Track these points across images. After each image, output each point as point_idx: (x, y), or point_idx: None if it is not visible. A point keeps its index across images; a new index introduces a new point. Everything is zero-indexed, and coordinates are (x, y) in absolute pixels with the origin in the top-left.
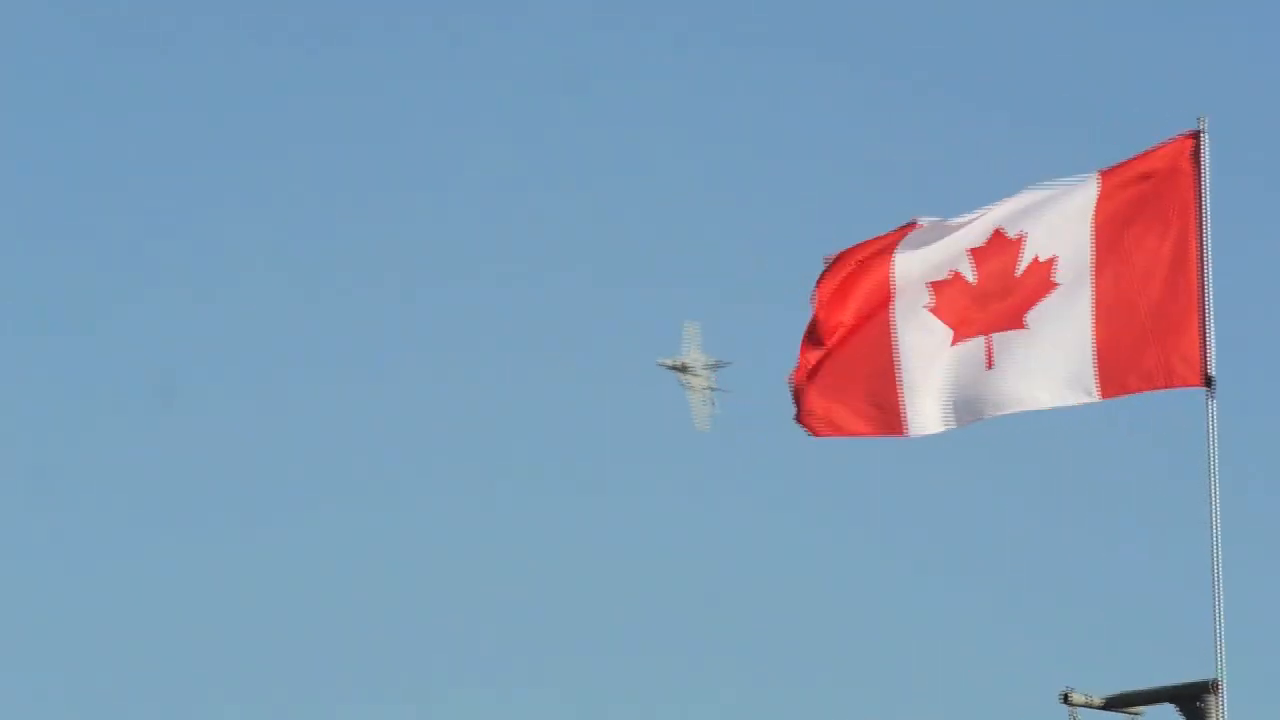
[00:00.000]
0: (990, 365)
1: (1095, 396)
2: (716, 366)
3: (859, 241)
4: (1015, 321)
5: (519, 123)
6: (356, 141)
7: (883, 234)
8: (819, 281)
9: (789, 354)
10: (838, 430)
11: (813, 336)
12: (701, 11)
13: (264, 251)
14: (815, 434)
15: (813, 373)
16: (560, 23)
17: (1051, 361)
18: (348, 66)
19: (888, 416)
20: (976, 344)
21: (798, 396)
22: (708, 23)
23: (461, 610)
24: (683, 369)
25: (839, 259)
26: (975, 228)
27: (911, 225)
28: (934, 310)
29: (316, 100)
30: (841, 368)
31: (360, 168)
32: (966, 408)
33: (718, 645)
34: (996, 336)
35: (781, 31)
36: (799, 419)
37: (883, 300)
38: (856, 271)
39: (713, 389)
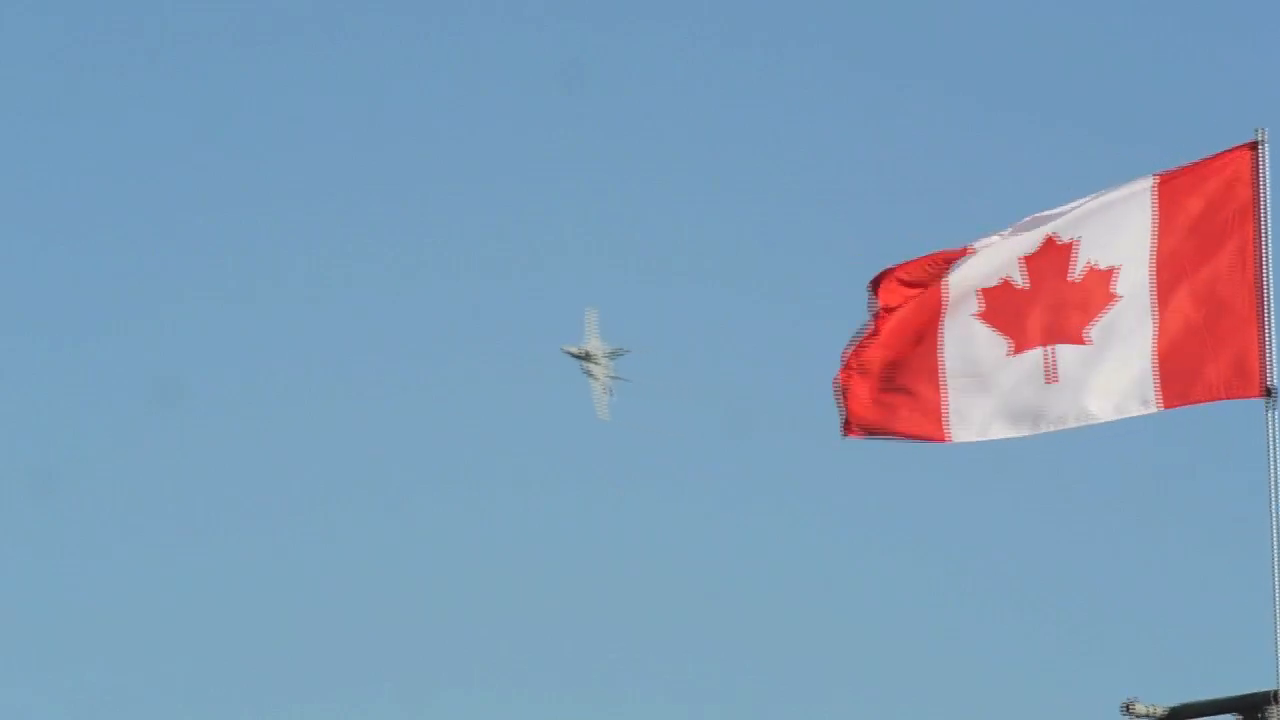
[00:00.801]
0: (1052, 380)
1: (1156, 407)
2: (615, 354)
3: (916, 256)
4: (1077, 336)
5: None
6: (354, 143)
7: (942, 251)
8: (879, 290)
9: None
10: (873, 431)
11: (867, 341)
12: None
13: (264, 253)
14: (850, 434)
15: (861, 373)
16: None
17: (1115, 375)
18: (348, 66)
19: (929, 421)
20: (1036, 355)
21: (844, 396)
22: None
23: (460, 610)
24: (586, 357)
25: (900, 271)
26: (1027, 234)
27: (967, 250)
28: (983, 317)
29: (316, 100)
30: (889, 372)
31: (357, 169)
32: (1024, 418)
33: (715, 648)
34: (1060, 349)
35: (792, 33)
36: (845, 420)
37: (935, 309)
38: (917, 284)
39: (613, 377)
